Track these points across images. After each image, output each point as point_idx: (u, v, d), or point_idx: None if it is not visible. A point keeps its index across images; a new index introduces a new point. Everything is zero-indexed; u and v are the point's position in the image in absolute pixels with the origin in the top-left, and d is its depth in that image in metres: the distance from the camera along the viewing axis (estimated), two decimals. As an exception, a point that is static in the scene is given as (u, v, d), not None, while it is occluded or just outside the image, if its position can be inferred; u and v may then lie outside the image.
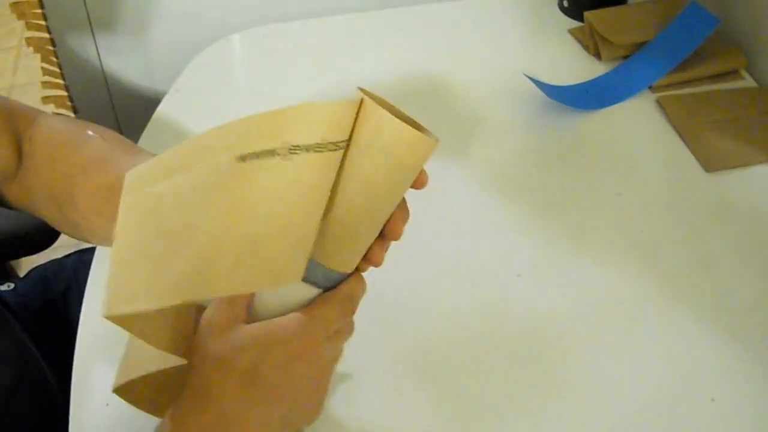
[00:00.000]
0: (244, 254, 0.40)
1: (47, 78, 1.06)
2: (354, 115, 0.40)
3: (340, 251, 0.44)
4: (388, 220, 0.44)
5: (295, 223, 0.40)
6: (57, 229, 0.58)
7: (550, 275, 0.66)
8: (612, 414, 0.55)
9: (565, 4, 0.98)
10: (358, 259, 0.45)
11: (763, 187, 0.73)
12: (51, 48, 1.03)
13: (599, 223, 0.70)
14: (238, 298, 0.44)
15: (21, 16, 1.00)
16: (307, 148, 0.39)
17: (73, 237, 0.58)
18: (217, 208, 0.40)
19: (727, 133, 0.78)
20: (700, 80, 0.86)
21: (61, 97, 1.08)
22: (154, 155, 0.57)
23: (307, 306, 0.44)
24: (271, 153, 0.39)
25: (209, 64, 0.93)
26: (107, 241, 0.58)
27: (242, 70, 0.94)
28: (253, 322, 0.44)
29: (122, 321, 0.41)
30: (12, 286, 0.75)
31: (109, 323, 0.61)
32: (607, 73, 0.87)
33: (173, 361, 0.43)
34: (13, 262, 0.98)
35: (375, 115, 0.40)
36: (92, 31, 1.04)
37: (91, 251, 0.67)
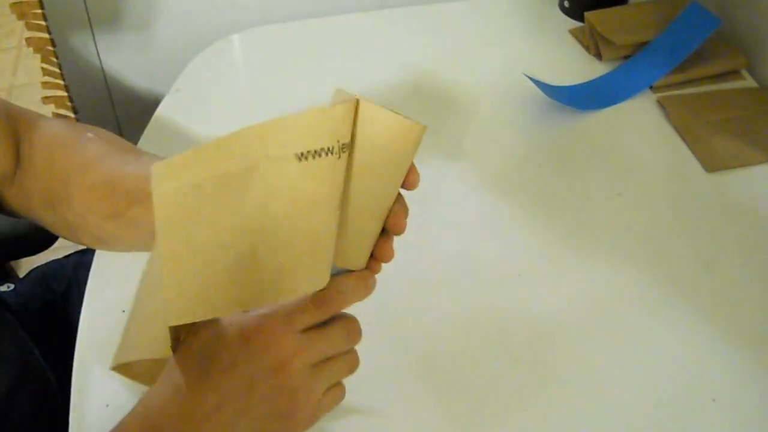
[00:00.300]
0: (272, 264, 0.40)
1: (47, 78, 1.06)
2: (350, 118, 0.40)
3: (350, 249, 0.44)
4: (390, 216, 0.44)
5: (318, 227, 0.40)
6: (52, 231, 0.58)
7: (551, 275, 0.66)
8: (613, 414, 0.55)
9: (566, 4, 0.98)
10: (367, 255, 0.45)
11: (763, 187, 0.73)
12: (51, 48, 1.03)
13: (600, 222, 0.70)
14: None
15: (21, 16, 1.00)
16: (318, 153, 0.39)
17: (67, 239, 0.58)
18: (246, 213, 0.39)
19: (728, 133, 0.78)
20: (701, 80, 0.86)
21: (61, 97, 1.08)
22: (153, 156, 0.57)
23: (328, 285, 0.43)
24: (284, 159, 0.39)
25: (209, 64, 0.93)
26: (100, 242, 0.58)
27: (242, 70, 0.94)
28: None
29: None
30: (12, 286, 0.75)
31: (110, 324, 0.61)
32: (607, 74, 0.87)
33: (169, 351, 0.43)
34: (13, 263, 0.98)
35: (367, 110, 0.41)
36: (92, 32, 1.04)
37: (91, 252, 0.67)
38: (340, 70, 0.91)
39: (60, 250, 0.88)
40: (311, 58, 0.93)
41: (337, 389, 0.46)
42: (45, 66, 1.05)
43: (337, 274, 0.44)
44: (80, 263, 0.79)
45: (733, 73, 0.87)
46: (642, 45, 0.88)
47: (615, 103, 0.84)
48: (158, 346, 0.43)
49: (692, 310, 0.62)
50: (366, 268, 0.46)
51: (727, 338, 0.60)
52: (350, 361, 0.46)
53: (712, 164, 0.75)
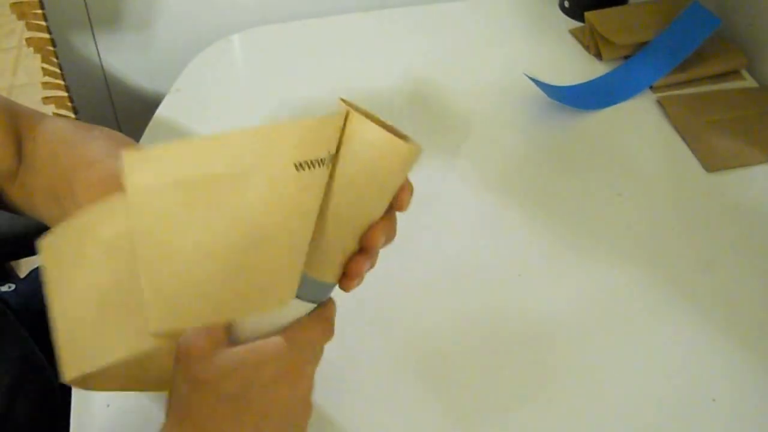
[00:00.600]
0: (237, 274, 0.39)
1: (47, 78, 1.06)
2: (340, 128, 0.40)
3: (321, 261, 0.43)
4: (367, 231, 0.44)
5: (289, 239, 0.39)
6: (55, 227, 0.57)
7: (551, 275, 0.66)
8: (613, 414, 0.55)
9: (566, 4, 0.98)
10: (338, 271, 0.44)
11: (763, 187, 0.73)
12: (51, 48, 1.03)
13: (600, 222, 0.70)
14: (216, 332, 0.43)
15: (21, 16, 1.00)
16: (314, 163, 0.38)
17: None
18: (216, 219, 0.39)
19: (728, 133, 0.78)
20: (701, 80, 0.86)
21: (62, 97, 1.08)
22: None
23: (292, 328, 0.44)
24: (283, 168, 0.38)
25: (209, 64, 0.93)
26: None
27: (242, 70, 0.94)
28: (236, 342, 0.42)
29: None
30: (13, 286, 0.76)
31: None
32: (607, 74, 0.87)
33: (131, 349, 0.41)
34: (13, 263, 0.98)
35: (355, 123, 0.40)
36: (92, 32, 1.04)
37: (91, 252, 0.67)
38: (340, 70, 0.91)
39: (60, 250, 0.88)
40: (311, 58, 0.93)
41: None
42: (45, 66, 1.05)
43: (307, 284, 0.44)
44: (80, 263, 0.79)
45: (733, 73, 0.87)
46: (642, 45, 0.88)
47: (615, 103, 0.84)
48: (135, 341, 0.41)
49: (692, 310, 0.62)
50: (337, 283, 0.45)
51: (726, 338, 0.60)
52: (330, 338, 0.47)
53: (712, 164, 0.75)
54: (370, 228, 0.43)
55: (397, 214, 0.46)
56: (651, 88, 0.85)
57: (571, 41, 0.94)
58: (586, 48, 0.92)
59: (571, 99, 0.83)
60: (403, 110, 0.84)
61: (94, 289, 0.40)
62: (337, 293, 0.45)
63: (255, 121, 0.83)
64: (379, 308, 0.61)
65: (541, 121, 0.82)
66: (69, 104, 1.08)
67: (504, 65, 0.90)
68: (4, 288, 0.75)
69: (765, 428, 0.55)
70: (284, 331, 0.43)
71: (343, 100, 0.42)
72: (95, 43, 1.05)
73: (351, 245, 0.43)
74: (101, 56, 1.07)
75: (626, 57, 0.89)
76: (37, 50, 1.03)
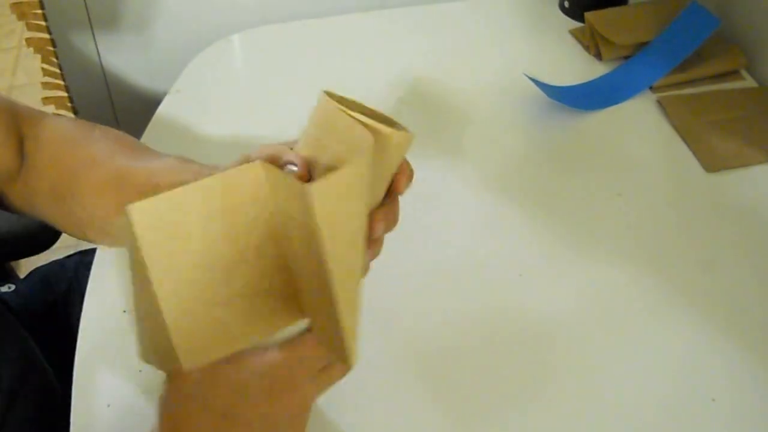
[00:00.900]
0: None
1: (47, 79, 1.06)
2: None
3: None
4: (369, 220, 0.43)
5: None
6: (57, 227, 0.58)
7: (551, 275, 0.66)
8: (613, 413, 0.55)
9: (566, 4, 0.98)
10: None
11: (763, 187, 0.73)
12: (51, 48, 1.03)
13: (600, 222, 0.70)
14: None
15: (21, 16, 1.00)
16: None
17: (72, 234, 0.58)
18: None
19: (728, 133, 0.78)
20: (701, 80, 0.86)
21: (62, 97, 1.08)
22: (163, 154, 0.57)
23: (289, 342, 0.43)
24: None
25: (209, 64, 0.93)
26: (107, 236, 0.58)
27: (242, 70, 0.94)
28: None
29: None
30: (13, 287, 0.76)
31: (110, 324, 0.61)
32: (607, 74, 0.87)
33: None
34: (13, 263, 0.98)
35: (342, 120, 0.40)
36: (92, 32, 1.04)
37: (92, 252, 0.67)
38: (340, 70, 0.91)
39: (61, 250, 0.89)
40: (311, 58, 0.93)
41: (325, 388, 0.47)
42: (45, 66, 1.05)
43: None
44: (81, 263, 0.80)
45: (733, 73, 0.87)
46: (642, 45, 0.88)
47: (615, 103, 0.84)
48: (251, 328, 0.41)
49: (692, 310, 0.62)
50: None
51: (726, 338, 0.60)
52: (342, 370, 0.46)
53: (712, 164, 0.75)
54: (370, 216, 0.43)
55: (398, 214, 0.46)
56: (651, 88, 0.85)
57: (571, 41, 0.94)
58: (586, 48, 0.92)
59: (571, 99, 0.83)
60: (403, 110, 0.84)
61: (199, 268, 0.38)
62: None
63: (255, 121, 0.83)
64: (379, 308, 0.61)
65: (541, 121, 0.82)
66: (69, 104, 1.08)
67: (504, 65, 0.90)
68: (4, 288, 0.75)
69: (765, 428, 0.55)
70: (281, 344, 0.42)
71: (327, 93, 0.41)
72: (95, 43, 1.05)
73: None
74: (101, 56, 1.07)
75: (626, 57, 0.89)
76: (37, 50, 1.03)
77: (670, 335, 0.61)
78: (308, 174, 0.42)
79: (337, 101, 0.41)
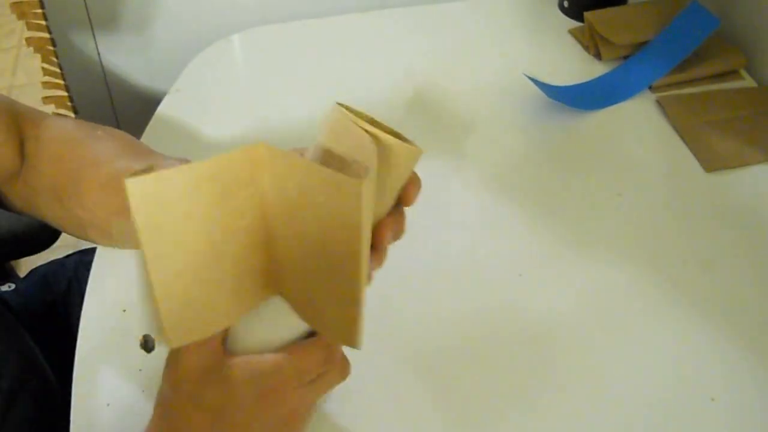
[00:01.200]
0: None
1: (47, 78, 1.06)
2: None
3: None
4: (374, 230, 0.43)
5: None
6: (58, 227, 0.58)
7: (551, 275, 0.66)
8: (612, 413, 0.55)
9: (565, 4, 0.98)
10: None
11: (763, 187, 0.73)
12: (51, 48, 1.03)
13: (599, 222, 0.70)
14: (212, 340, 0.43)
15: (21, 16, 1.00)
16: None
17: (73, 235, 0.58)
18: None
19: (727, 133, 0.78)
20: (700, 80, 0.86)
21: (62, 97, 1.08)
22: (165, 156, 0.57)
23: (288, 349, 0.44)
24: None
25: (209, 64, 0.93)
26: (108, 237, 0.58)
27: (242, 70, 0.94)
28: (232, 354, 0.43)
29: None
30: (13, 286, 0.76)
31: (110, 324, 0.61)
32: (607, 74, 0.87)
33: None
34: (13, 263, 0.98)
35: (357, 130, 0.40)
36: (93, 32, 1.04)
37: (92, 251, 0.67)
38: (340, 70, 0.91)
39: (61, 249, 0.89)
40: (311, 58, 0.93)
41: (320, 396, 0.47)
42: (45, 66, 1.05)
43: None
44: (81, 263, 0.80)
45: (733, 73, 0.87)
46: (641, 45, 0.88)
47: (615, 103, 0.84)
48: (240, 306, 0.42)
49: (691, 310, 0.62)
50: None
51: (726, 338, 0.60)
52: (344, 372, 0.47)
53: (711, 164, 0.75)
54: (377, 225, 0.43)
55: (404, 225, 0.46)
56: (650, 88, 0.85)
57: (571, 41, 0.94)
58: (586, 48, 0.92)
59: (570, 99, 0.83)
60: (403, 110, 0.84)
61: (191, 246, 0.39)
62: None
63: (255, 121, 0.83)
64: (379, 308, 0.61)
65: (541, 121, 0.82)
66: (69, 104, 1.08)
67: (504, 65, 0.90)
68: (5, 288, 0.75)
69: (765, 428, 0.55)
70: (280, 350, 0.43)
71: (340, 105, 0.42)
72: (95, 43, 1.05)
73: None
74: (101, 56, 1.07)
75: (625, 57, 0.89)
76: (37, 50, 1.03)
77: (670, 335, 0.61)
78: None
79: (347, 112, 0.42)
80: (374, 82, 0.88)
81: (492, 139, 0.80)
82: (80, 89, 1.09)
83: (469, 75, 0.89)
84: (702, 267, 0.66)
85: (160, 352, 0.53)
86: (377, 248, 0.44)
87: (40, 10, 1.00)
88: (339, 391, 0.56)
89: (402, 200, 0.44)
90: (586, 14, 0.91)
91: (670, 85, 0.85)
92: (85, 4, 1.01)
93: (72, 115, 1.10)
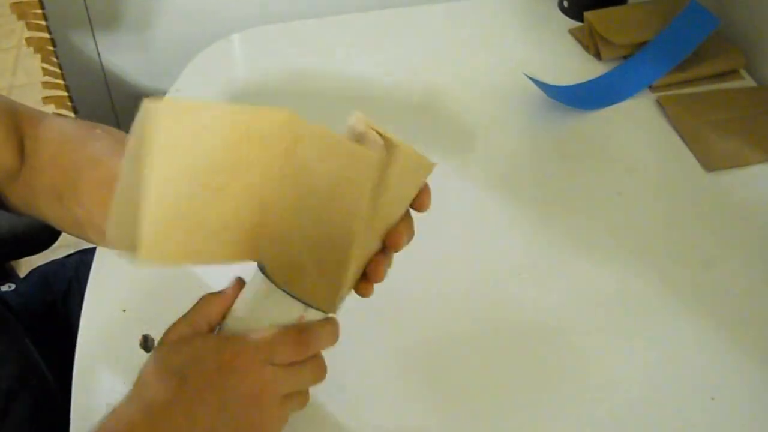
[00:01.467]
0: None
1: (47, 78, 1.06)
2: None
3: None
4: (391, 231, 0.46)
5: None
6: (58, 227, 0.57)
7: (551, 274, 0.66)
8: (612, 413, 0.55)
9: (565, 4, 0.98)
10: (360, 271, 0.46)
11: (763, 187, 0.73)
12: (51, 48, 1.03)
13: (600, 222, 0.70)
14: (198, 316, 0.46)
15: (21, 16, 1.00)
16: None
17: (73, 234, 0.58)
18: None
19: (727, 133, 0.78)
20: (700, 80, 0.86)
21: (62, 97, 1.08)
22: None
23: (260, 329, 0.45)
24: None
25: (209, 64, 0.93)
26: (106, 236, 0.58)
27: (242, 70, 0.94)
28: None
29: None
30: (13, 286, 0.75)
31: (110, 324, 0.61)
32: (607, 73, 0.87)
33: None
34: (13, 263, 0.98)
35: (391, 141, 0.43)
36: (92, 31, 1.04)
37: (92, 251, 0.67)
38: (340, 70, 0.91)
39: (61, 249, 0.89)
40: (311, 58, 0.93)
41: (302, 396, 0.48)
42: (45, 66, 1.05)
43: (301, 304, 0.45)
44: (81, 263, 0.79)
45: (732, 73, 0.87)
46: (641, 45, 0.88)
47: (615, 102, 0.84)
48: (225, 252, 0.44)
49: (691, 309, 0.62)
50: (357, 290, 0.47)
51: (726, 337, 0.60)
52: (318, 373, 0.48)
53: (711, 164, 0.75)
54: (395, 228, 0.46)
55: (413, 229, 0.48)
56: (650, 87, 0.85)
57: (571, 41, 0.94)
58: (586, 48, 0.92)
59: (570, 99, 0.83)
60: (403, 110, 0.84)
61: (195, 178, 0.40)
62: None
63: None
64: (379, 308, 0.61)
65: (541, 120, 0.82)
66: (69, 104, 1.08)
67: (504, 65, 0.90)
68: (5, 288, 0.75)
69: (764, 427, 0.55)
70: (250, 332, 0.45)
71: (359, 114, 0.44)
72: (95, 43, 1.05)
73: (375, 245, 0.46)
74: (101, 56, 1.07)
75: (625, 57, 0.89)
76: (37, 50, 1.03)
77: (669, 334, 0.61)
78: None
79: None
80: (374, 82, 0.88)
81: (492, 138, 0.80)
82: (80, 89, 1.09)
83: (469, 75, 0.89)
84: (701, 265, 0.66)
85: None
86: (392, 248, 0.46)
87: (40, 10, 1.00)
88: (339, 389, 0.56)
89: (416, 206, 0.48)
90: (586, 14, 0.91)
91: (670, 85, 0.85)
92: (85, 4, 1.01)
93: (72, 115, 1.10)
